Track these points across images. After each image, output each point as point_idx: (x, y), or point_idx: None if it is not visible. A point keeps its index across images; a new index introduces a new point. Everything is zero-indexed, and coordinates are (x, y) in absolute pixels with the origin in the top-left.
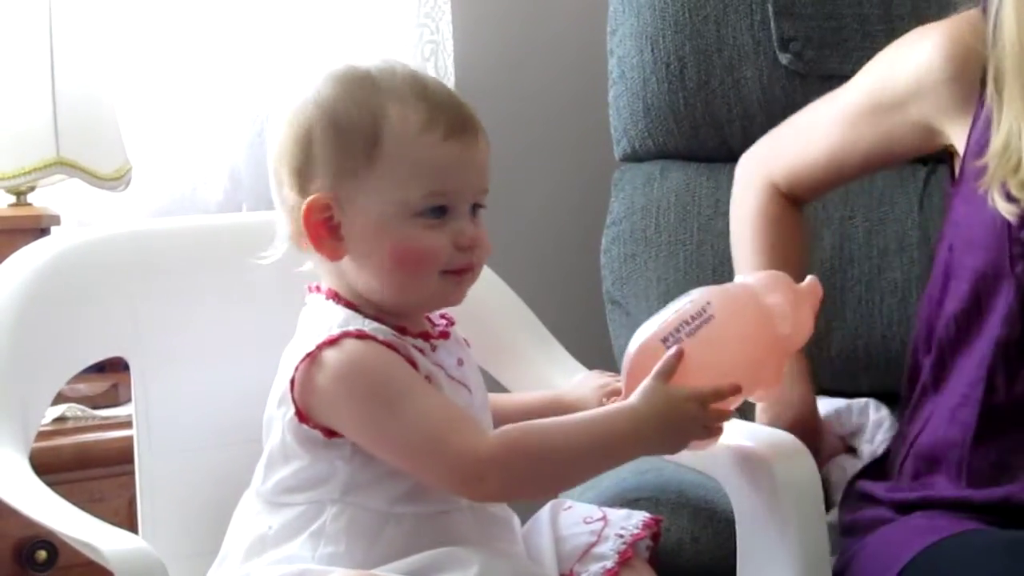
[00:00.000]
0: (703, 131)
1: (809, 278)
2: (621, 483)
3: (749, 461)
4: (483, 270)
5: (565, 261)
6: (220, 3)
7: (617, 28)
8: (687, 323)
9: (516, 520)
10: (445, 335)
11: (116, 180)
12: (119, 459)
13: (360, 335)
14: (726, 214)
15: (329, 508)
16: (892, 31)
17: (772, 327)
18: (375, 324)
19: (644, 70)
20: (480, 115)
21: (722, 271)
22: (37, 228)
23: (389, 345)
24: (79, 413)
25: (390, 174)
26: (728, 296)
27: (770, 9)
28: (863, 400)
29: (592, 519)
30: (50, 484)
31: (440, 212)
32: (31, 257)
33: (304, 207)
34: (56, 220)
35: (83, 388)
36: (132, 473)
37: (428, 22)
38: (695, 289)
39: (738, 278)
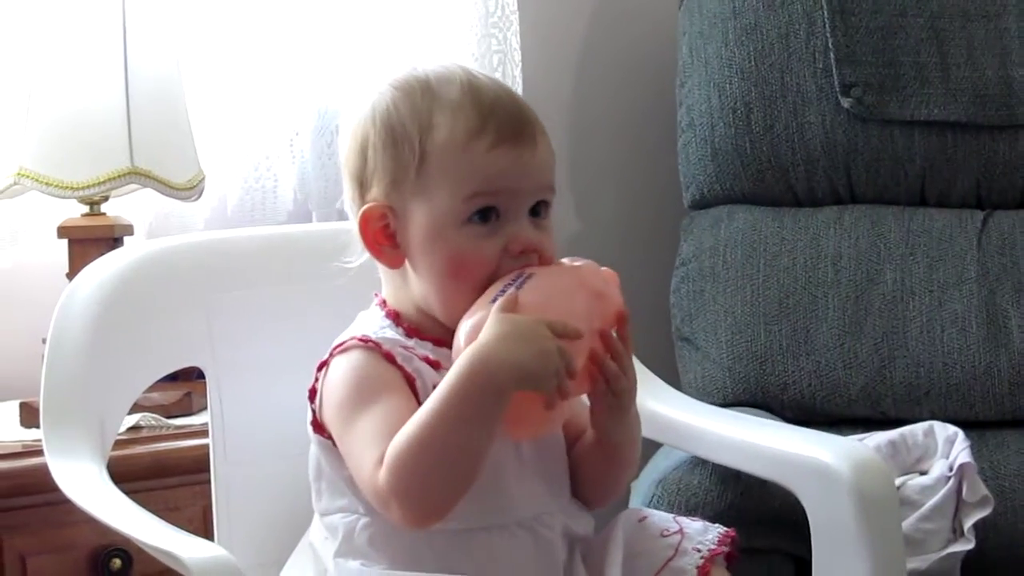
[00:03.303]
0: (768, 175)
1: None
2: None
3: (827, 473)
4: None
5: (630, 307)
6: (292, 14)
7: (686, 80)
8: (510, 284)
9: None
10: None
11: (189, 190)
12: (194, 468)
13: (364, 341)
14: (791, 251)
15: (359, 520)
16: (948, 78)
17: (588, 286)
18: (393, 334)
19: (712, 116)
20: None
21: (787, 303)
22: (110, 238)
23: (390, 356)
24: (153, 422)
25: (438, 183)
26: (548, 272)
27: (832, 56)
28: (925, 423)
29: (669, 532)
30: (126, 493)
31: (489, 215)
32: (106, 268)
33: (360, 216)
34: (129, 230)
35: (157, 397)
36: (207, 482)
37: (496, 32)
38: None
39: None
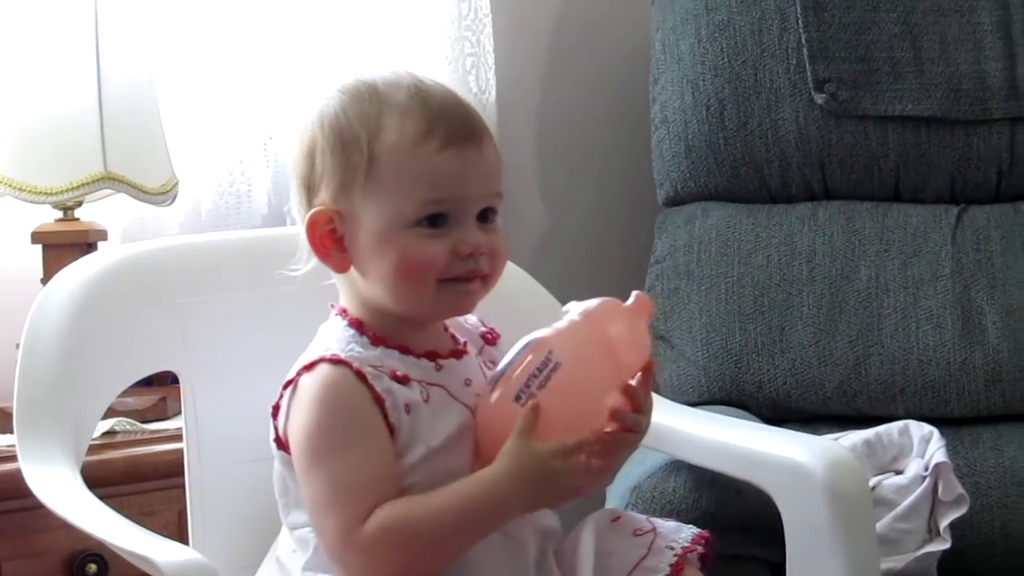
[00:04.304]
0: (742, 171)
1: (635, 294)
2: None
3: (801, 473)
4: (539, 288)
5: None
6: (266, 21)
7: (659, 76)
8: (535, 376)
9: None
10: (459, 354)
11: (163, 194)
12: (168, 472)
13: (335, 360)
14: (765, 248)
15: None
16: (921, 73)
17: (617, 358)
18: (361, 349)
19: (685, 113)
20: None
21: (762, 301)
22: (84, 243)
23: (361, 374)
24: (128, 427)
25: (387, 186)
26: (569, 338)
27: (805, 52)
28: (900, 423)
29: (642, 531)
30: (101, 498)
31: (438, 221)
32: (80, 272)
33: (308, 220)
34: (103, 235)
35: (131, 402)
36: (181, 486)
37: (469, 35)
38: (531, 335)
39: (570, 310)
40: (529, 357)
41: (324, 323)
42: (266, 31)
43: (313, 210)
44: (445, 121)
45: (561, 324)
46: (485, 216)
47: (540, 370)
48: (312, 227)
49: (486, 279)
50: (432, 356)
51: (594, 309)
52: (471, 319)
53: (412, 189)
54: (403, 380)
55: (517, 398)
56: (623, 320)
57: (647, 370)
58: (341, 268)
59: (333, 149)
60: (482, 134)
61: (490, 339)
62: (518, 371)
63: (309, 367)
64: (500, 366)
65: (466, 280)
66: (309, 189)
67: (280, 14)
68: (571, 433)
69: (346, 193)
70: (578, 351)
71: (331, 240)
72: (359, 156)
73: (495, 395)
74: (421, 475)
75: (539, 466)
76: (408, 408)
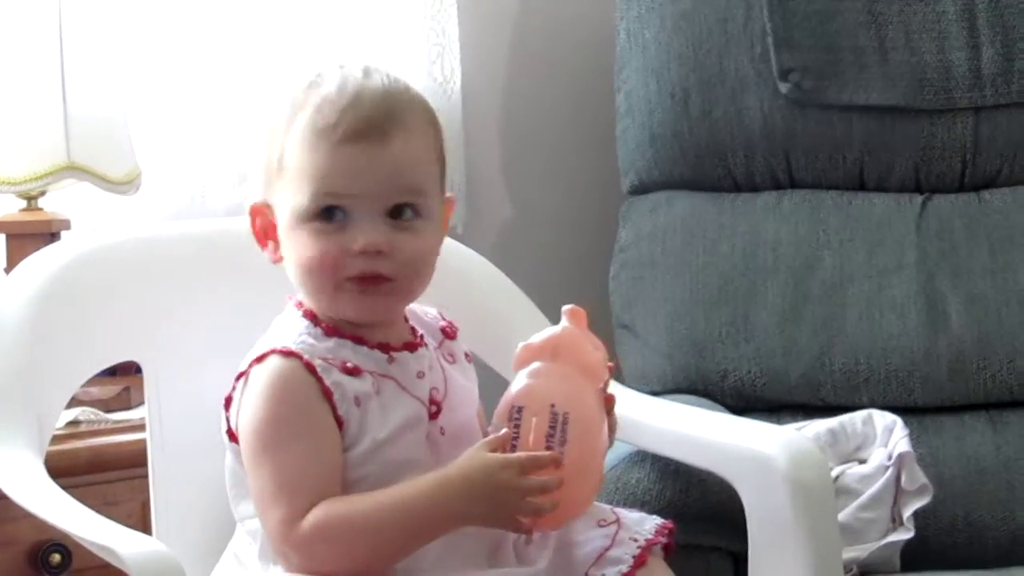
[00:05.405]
0: (707, 160)
1: (566, 310)
2: None
3: (764, 463)
4: (503, 279)
5: (569, 295)
6: (227, 10)
7: (624, 65)
8: (551, 435)
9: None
10: (412, 347)
11: (126, 184)
12: (132, 462)
13: (285, 352)
14: (730, 237)
15: None
16: (886, 62)
17: (598, 379)
18: (314, 340)
19: (650, 102)
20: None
21: (727, 290)
22: (48, 233)
23: (310, 367)
24: (92, 417)
25: (292, 179)
26: (560, 384)
27: (770, 41)
28: (863, 412)
29: (606, 522)
30: (65, 488)
31: (334, 215)
32: (43, 262)
33: (248, 211)
34: (67, 224)
35: (95, 392)
36: (145, 476)
37: (434, 24)
38: (514, 390)
39: (534, 340)
40: (535, 419)
41: (278, 315)
42: (231, 22)
43: (251, 202)
44: (352, 116)
45: (536, 372)
46: (400, 214)
47: (553, 427)
48: (251, 218)
49: (392, 283)
50: (385, 348)
51: (560, 345)
52: (431, 312)
53: (308, 181)
54: (354, 372)
55: (516, 429)
56: (584, 341)
57: (611, 372)
58: (275, 260)
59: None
60: (389, 130)
61: (449, 332)
62: (532, 436)
63: (260, 359)
64: (503, 430)
65: (360, 281)
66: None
67: (245, 5)
68: (598, 465)
69: (269, 186)
70: (574, 393)
71: (267, 232)
72: (275, 150)
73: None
74: (372, 466)
75: (487, 473)
76: (358, 401)
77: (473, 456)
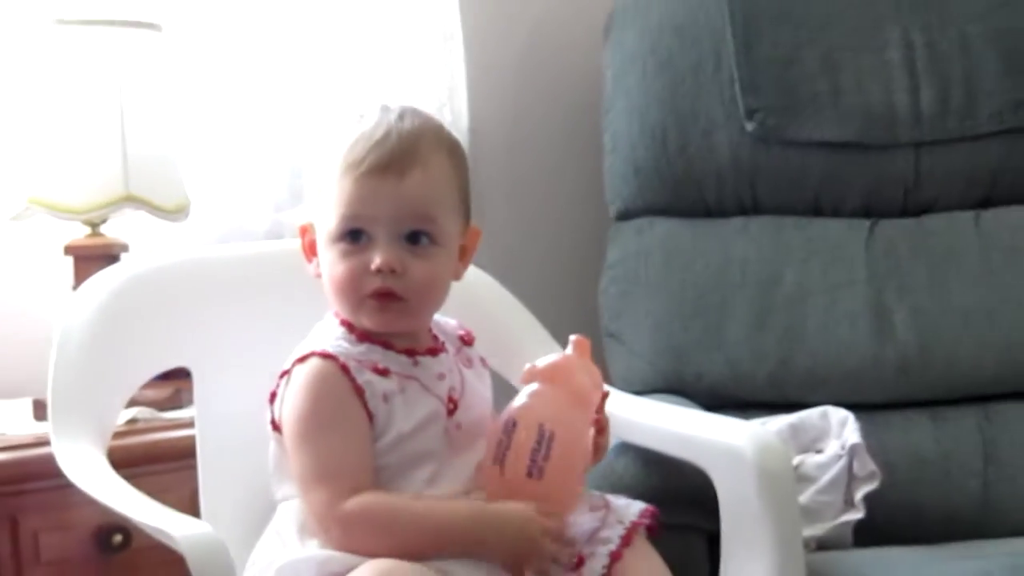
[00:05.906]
0: (683, 189)
1: (572, 340)
2: None
3: (734, 454)
4: (507, 295)
5: (564, 307)
6: (260, 64)
7: (610, 107)
8: (536, 450)
9: None
10: (434, 351)
11: (178, 212)
12: (183, 455)
13: (324, 355)
14: (704, 256)
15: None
16: (839, 104)
17: (588, 404)
18: (348, 345)
19: (633, 139)
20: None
21: (701, 303)
22: (109, 255)
23: (345, 368)
24: (148, 415)
25: (327, 205)
26: (550, 406)
27: (737, 86)
28: (820, 408)
29: (596, 506)
30: (124, 478)
31: (358, 237)
32: (105, 281)
33: (298, 231)
34: (125, 248)
35: (150, 393)
36: (194, 467)
37: (445, 70)
38: (519, 403)
39: (538, 363)
40: (523, 434)
41: (319, 322)
42: (263, 75)
43: (302, 223)
44: (377, 152)
45: (534, 393)
46: (417, 240)
47: (539, 443)
48: (301, 236)
49: (402, 300)
50: (410, 352)
51: (558, 371)
52: (451, 322)
53: (337, 206)
54: (383, 372)
55: (529, 474)
56: (581, 368)
57: (604, 398)
58: (316, 275)
59: (317, 170)
60: (409, 165)
61: (467, 340)
62: (520, 450)
63: (302, 359)
64: (495, 449)
65: (377, 297)
66: (311, 202)
67: (275, 59)
68: (575, 480)
69: (315, 209)
70: (562, 415)
71: (312, 249)
72: (321, 177)
73: (507, 475)
74: (394, 456)
75: (524, 526)
76: (386, 397)
77: (522, 509)
